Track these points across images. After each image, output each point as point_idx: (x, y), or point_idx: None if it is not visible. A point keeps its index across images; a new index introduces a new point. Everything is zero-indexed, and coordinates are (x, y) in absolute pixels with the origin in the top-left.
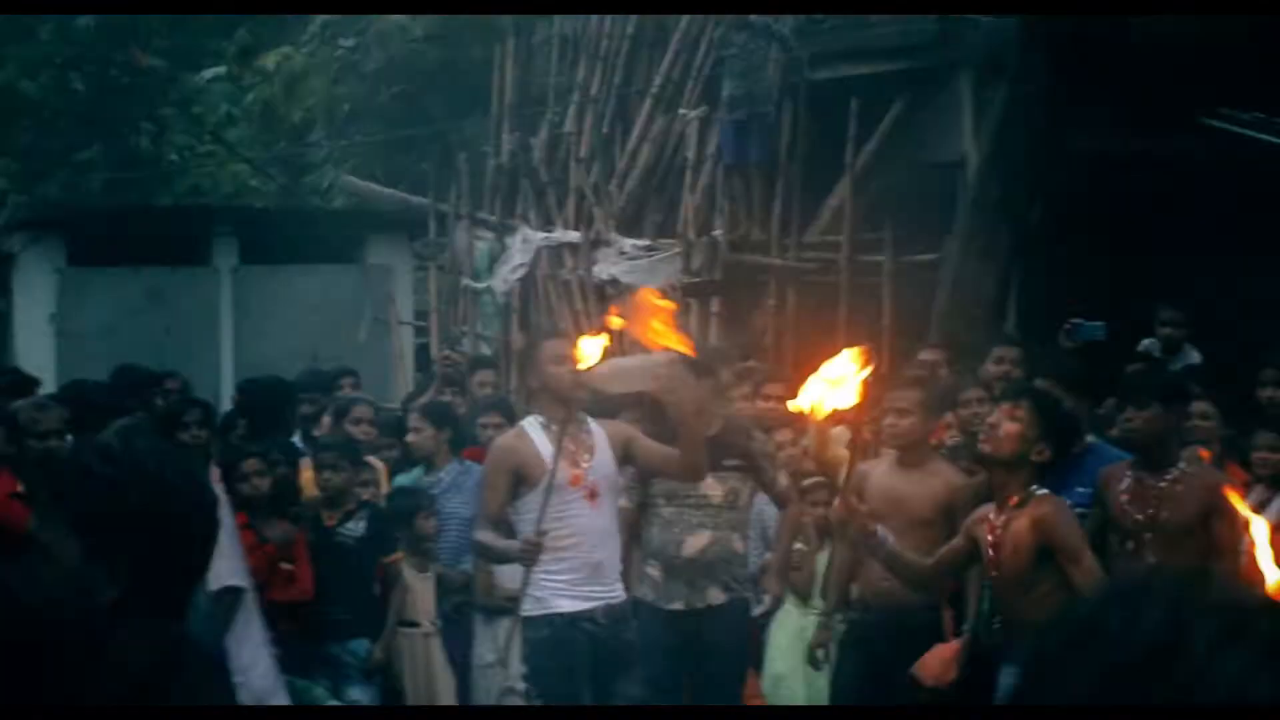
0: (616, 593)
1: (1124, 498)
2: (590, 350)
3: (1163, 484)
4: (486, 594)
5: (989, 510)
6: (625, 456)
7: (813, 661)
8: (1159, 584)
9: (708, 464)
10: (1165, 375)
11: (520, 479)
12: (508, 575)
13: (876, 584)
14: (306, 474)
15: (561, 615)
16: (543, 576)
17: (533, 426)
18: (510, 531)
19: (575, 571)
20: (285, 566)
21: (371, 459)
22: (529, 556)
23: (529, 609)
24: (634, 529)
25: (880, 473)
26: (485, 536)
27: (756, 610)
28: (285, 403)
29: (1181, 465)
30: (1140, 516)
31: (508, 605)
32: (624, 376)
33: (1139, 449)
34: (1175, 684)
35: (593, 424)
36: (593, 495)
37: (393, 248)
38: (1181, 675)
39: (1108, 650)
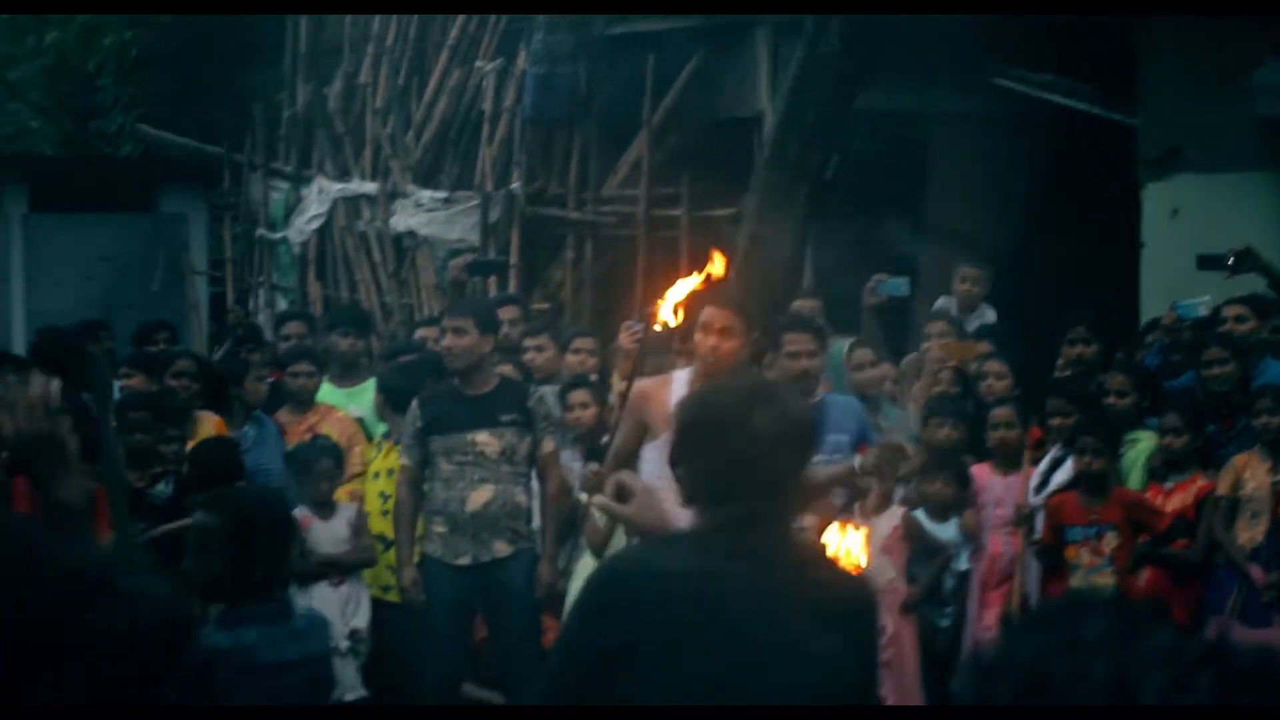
0: None
1: None
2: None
3: None
4: None
5: None
6: None
7: None
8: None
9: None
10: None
11: (647, 428)
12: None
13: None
14: None
15: None
16: None
17: (680, 383)
18: None
19: None
20: None
21: (203, 413)
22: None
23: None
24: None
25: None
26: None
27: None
28: (83, 352)
29: None
30: None
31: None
32: None
33: None
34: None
35: None
36: None
37: (187, 197)
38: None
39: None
